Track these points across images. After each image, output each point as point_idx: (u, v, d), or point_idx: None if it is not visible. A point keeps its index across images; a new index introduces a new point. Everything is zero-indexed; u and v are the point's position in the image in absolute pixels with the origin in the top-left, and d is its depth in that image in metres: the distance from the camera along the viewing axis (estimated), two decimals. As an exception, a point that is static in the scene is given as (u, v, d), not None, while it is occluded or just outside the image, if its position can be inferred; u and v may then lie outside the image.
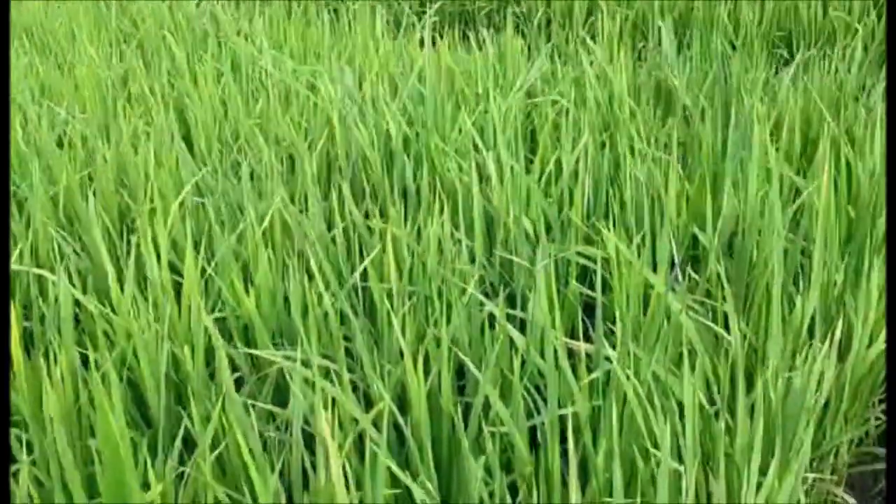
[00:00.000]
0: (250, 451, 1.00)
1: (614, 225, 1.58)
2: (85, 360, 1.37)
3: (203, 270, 1.50)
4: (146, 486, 1.08)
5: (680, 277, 1.45)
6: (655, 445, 1.11)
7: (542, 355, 1.31)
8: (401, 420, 1.20)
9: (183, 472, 1.14)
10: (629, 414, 1.12)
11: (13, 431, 1.27)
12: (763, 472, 1.15)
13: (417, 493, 1.05)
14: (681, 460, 1.08)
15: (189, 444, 1.25)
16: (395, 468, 1.08)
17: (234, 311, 1.45)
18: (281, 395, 1.36)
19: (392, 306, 1.39)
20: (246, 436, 0.97)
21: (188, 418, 1.17)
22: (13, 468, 1.14)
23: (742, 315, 1.42)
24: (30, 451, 1.16)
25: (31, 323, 1.51)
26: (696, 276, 1.49)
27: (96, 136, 2.01)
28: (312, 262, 1.41)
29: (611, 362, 1.20)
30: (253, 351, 1.33)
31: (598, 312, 1.25)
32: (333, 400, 1.20)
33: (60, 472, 1.07)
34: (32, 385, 1.25)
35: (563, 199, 1.75)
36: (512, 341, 1.34)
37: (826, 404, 1.40)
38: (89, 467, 1.21)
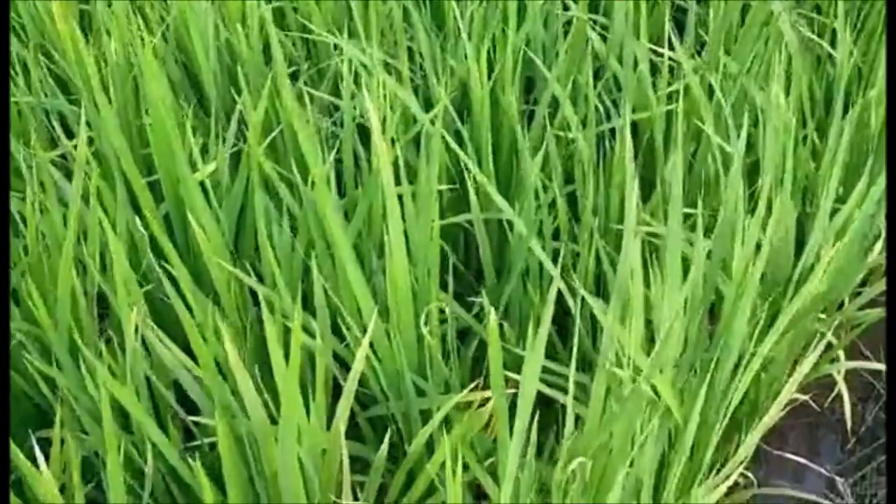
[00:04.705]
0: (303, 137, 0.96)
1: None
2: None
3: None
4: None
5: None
6: (728, 162, 1.04)
7: (621, 62, 1.21)
8: (460, 125, 1.14)
9: (237, 155, 1.12)
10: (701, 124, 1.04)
11: (72, 109, 1.26)
12: (842, 200, 1.07)
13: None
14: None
15: (244, 133, 1.22)
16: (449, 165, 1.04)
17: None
18: (338, 94, 1.30)
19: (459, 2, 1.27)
20: (299, 116, 0.92)
21: (241, 104, 1.13)
22: (72, 142, 1.13)
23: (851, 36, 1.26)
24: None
25: (88, 6, 1.46)
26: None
27: None
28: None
29: (696, 73, 1.09)
30: (309, 34, 1.25)
31: (691, 17, 1.12)
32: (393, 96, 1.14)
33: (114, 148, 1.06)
34: (87, 63, 1.22)
35: None
36: (588, 45, 1.23)
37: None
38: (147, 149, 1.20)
